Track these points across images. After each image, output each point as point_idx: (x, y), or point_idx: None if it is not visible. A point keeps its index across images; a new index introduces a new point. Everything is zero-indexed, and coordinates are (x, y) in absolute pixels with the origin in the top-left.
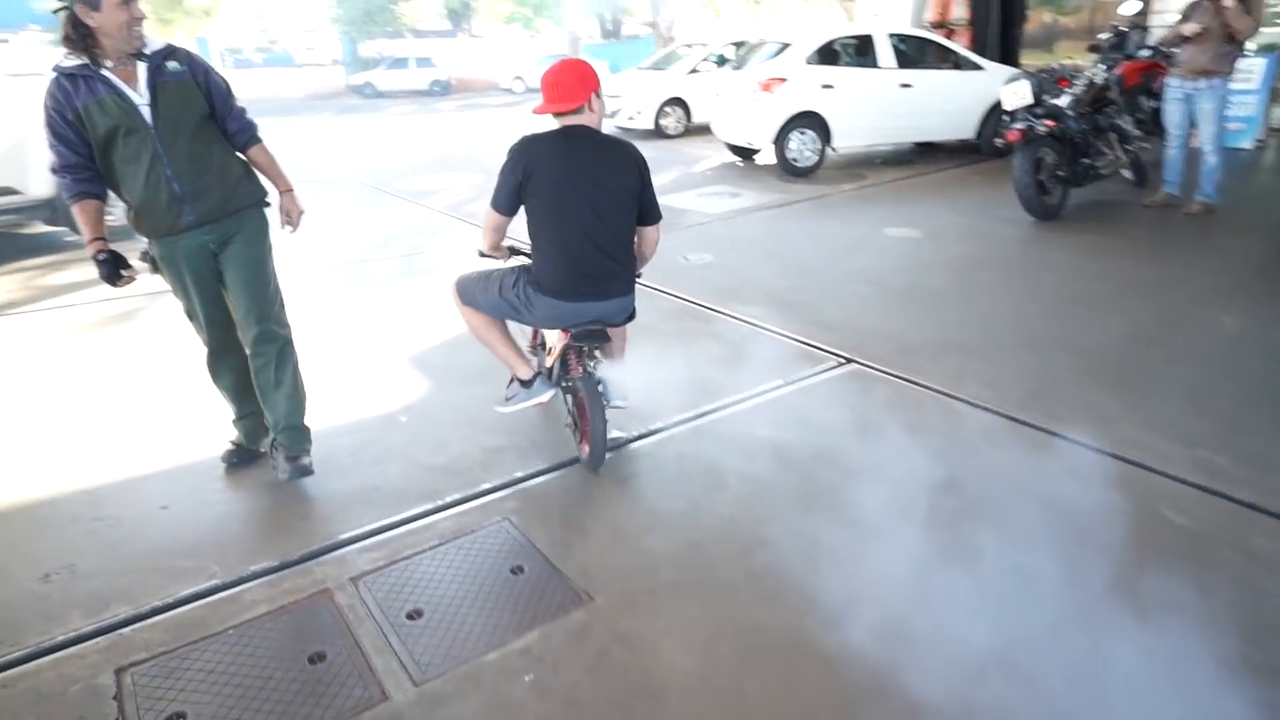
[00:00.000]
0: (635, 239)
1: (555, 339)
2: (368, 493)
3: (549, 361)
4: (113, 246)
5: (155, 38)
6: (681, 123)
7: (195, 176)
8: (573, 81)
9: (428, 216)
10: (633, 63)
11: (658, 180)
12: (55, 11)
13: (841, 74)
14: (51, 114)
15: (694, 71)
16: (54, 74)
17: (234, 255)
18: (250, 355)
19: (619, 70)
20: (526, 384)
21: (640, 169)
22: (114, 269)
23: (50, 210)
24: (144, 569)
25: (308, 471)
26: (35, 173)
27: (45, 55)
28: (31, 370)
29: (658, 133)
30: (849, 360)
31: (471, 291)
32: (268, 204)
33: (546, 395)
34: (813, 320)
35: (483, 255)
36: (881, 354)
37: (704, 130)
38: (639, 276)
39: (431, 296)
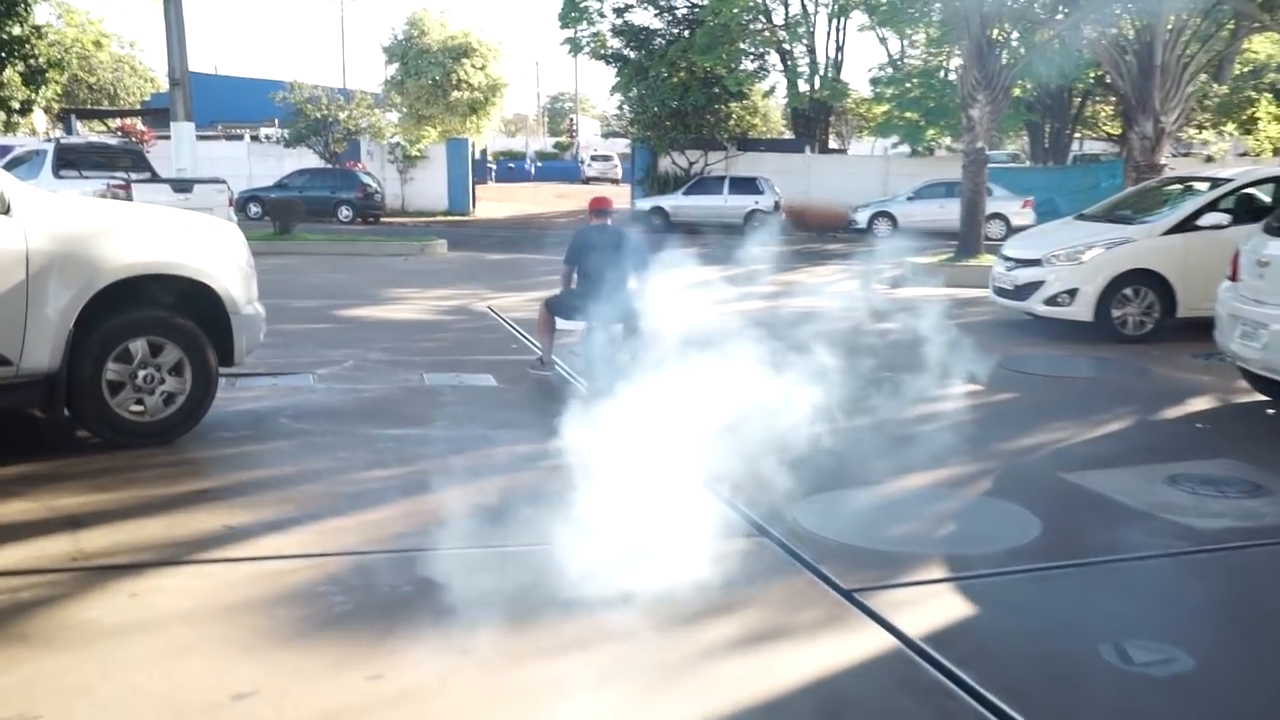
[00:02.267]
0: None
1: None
2: None
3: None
4: None
5: None
6: (1152, 315)
7: None
8: (606, 204)
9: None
10: (1079, 200)
11: (1078, 433)
12: None
13: None
14: None
15: (1187, 225)
16: None
17: None
18: None
19: (1058, 215)
20: (543, 364)
21: (630, 242)
22: None
23: (49, 393)
24: None
25: None
26: (39, 335)
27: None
28: None
29: (1105, 328)
30: None
31: (551, 301)
32: None
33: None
34: None
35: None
36: None
37: (1200, 333)
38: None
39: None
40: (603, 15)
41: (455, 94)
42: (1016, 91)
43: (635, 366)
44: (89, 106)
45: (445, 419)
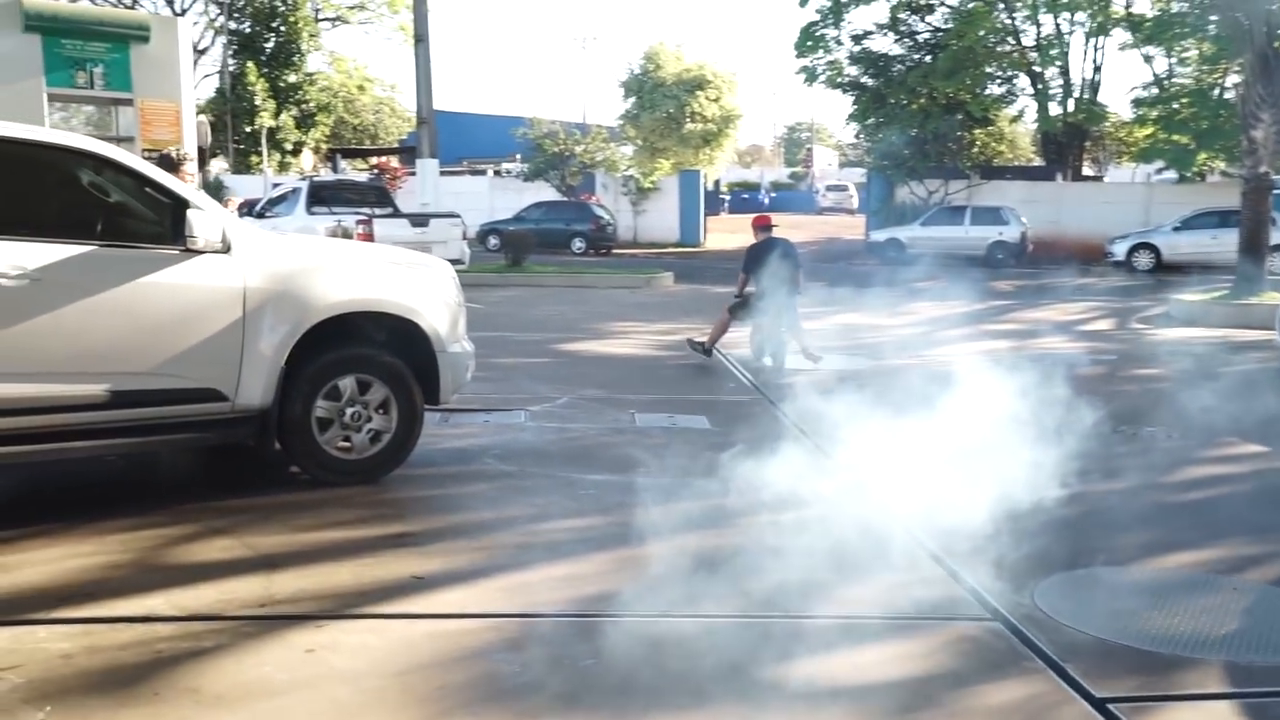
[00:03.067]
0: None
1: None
2: None
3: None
4: None
5: None
6: None
7: None
8: (767, 220)
9: None
10: None
11: None
12: None
13: None
14: None
15: None
16: None
17: None
18: None
19: None
20: (707, 351)
21: (795, 251)
22: None
23: (261, 429)
24: None
25: None
26: (254, 372)
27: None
28: None
29: None
30: None
31: (732, 308)
32: None
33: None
34: None
35: (737, 296)
36: None
37: None
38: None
39: None
40: (840, 43)
41: (689, 126)
42: None
43: (819, 366)
44: (352, 146)
45: (652, 464)
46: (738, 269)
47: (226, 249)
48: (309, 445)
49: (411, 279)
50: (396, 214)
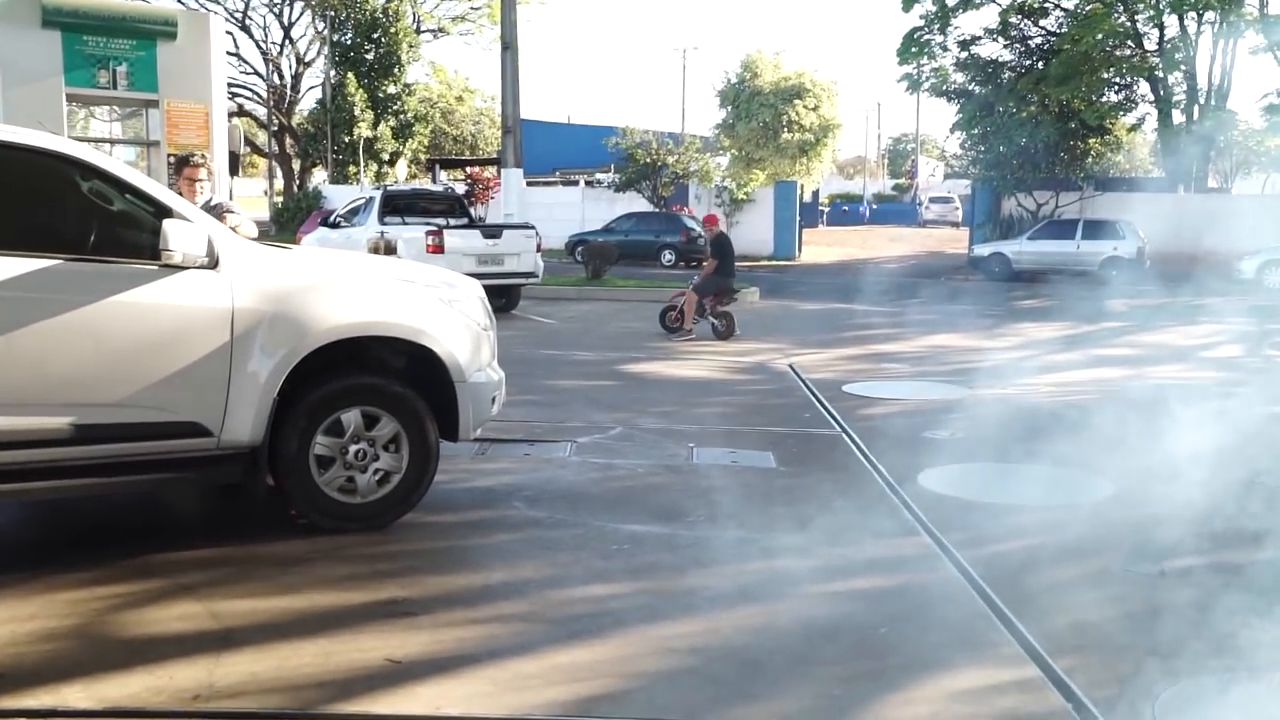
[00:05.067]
0: None
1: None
2: None
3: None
4: None
5: None
6: None
7: None
8: (718, 219)
9: None
10: None
11: None
12: None
13: None
14: None
15: None
16: None
17: None
18: None
19: None
20: (686, 330)
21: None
22: None
23: (251, 468)
24: None
25: None
26: (242, 404)
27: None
28: None
29: None
30: None
31: (698, 286)
32: None
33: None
34: None
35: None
36: None
37: None
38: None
39: None
40: (945, 49)
41: (786, 136)
42: None
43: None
44: (451, 156)
45: (703, 512)
46: (830, 284)
47: (213, 264)
48: (306, 487)
49: (428, 299)
50: (470, 224)
